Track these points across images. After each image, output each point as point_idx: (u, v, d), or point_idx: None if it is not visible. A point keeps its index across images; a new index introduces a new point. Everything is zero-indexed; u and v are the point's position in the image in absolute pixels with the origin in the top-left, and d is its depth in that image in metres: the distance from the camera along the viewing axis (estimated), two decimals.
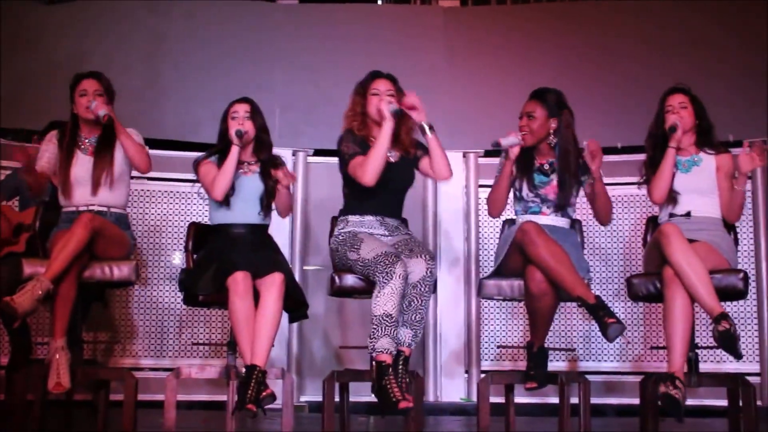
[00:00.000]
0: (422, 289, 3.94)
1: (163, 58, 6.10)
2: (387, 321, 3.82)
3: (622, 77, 5.93)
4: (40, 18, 5.87)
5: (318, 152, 5.94)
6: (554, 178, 4.25)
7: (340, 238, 4.20)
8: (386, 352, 3.78)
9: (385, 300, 3.85)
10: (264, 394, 3.83)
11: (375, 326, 3.83)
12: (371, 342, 3.82)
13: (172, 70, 6.10)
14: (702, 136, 4.26)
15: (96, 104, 4.20)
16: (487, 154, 5.84)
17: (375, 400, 5.53)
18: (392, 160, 4.26)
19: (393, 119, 4.11)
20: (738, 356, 3.71)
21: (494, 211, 4.31)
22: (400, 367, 3.81)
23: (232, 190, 4.22)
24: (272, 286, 3.96)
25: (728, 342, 3.65)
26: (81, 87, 4.31)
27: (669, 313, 3.81)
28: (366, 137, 4.22)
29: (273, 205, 4.34)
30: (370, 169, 4.11)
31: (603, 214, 4.29)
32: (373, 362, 3.79)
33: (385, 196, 4.23)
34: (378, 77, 4.32)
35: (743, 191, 4.10)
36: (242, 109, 4.30)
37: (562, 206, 4.23)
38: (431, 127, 4.17)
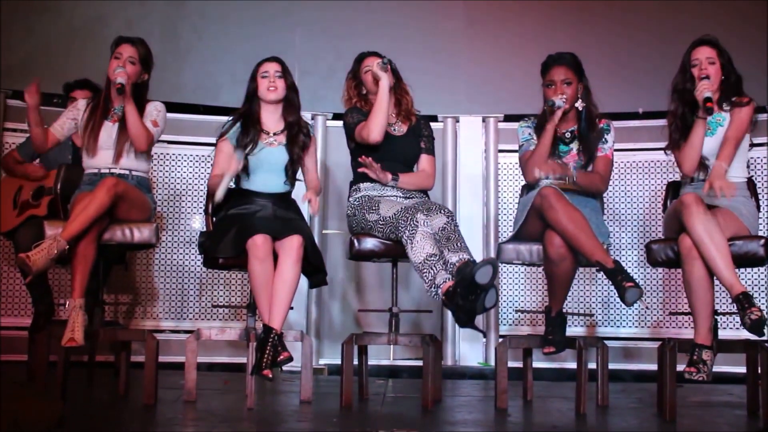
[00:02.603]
0: (452, 227, 4.01)
1: (182, 21, 6.09)
2: (433, 260, 3.88)
3: (643, 41, 5.86)
4: None
5: (337, 116, 5.92)
6: (574, 147, 4.24)
7: (356, 203, 4.23)
8: (448, 281, 3.83)
9: (420, 246, 3.91)
10: (281, 357, 3.86)
11: (425, 270, 3.87)
12: (428, 285, 3.86)
13: (192, 34, 6.08)
14: (727, 93, 4.06)
15: (120, 72, 4.18)
16: (507, 118, 5.81)
17: (393, 363, 5.64)
18: (397, 134, 4.33)
19: (386, 72, 4.21)
20: (762, 335, 3.69)
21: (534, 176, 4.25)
22: (471, 267, 3.78)
23: (252, 166, 4.24)
24: (291, 249, 3.97)
25: (759, 329, 3.61)
26: (117, 50, 4.28)
27: (689, 285, 3.79)
28: (369, 111, 4.29)
29: (299, 175, 4.35)
30: (374, 124, 4.21)
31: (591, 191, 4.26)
32: (443, 297, 3.81)
33: (394, 167, 4.29)
34: (367, 56, 4.44)
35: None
36: (272, 68, 4.30)
37: (585, 166, 4.21)
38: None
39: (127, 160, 4.30)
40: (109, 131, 4.29)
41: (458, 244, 3.96)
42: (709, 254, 3.72)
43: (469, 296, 3.75)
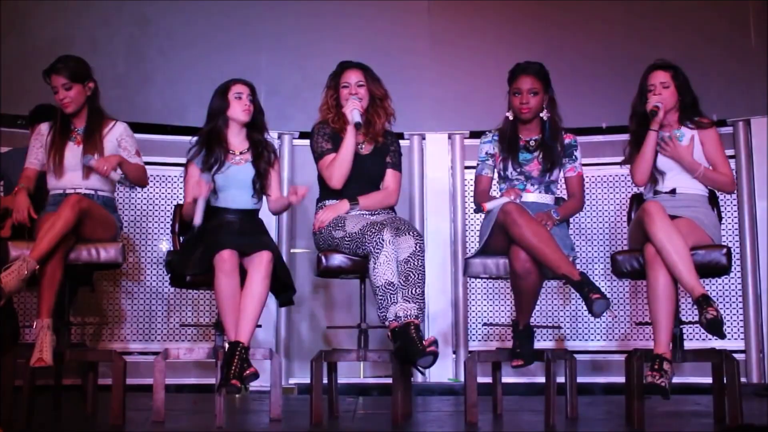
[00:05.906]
0: (415, 263, 3.97)
1: (148, 41, 6.08)
2: (390, 289, 3.90)
3: (608, 56, 5.94)
4: (23, 2, 5.83)
5: (304, 135, 5.93)
6: (537, 154, 4.29)
7: None
8: (397, 320, 3.86)
9: (383, 269, 3.91)
10: (247, 372, 3.84)
11: (381, 297, 3.91)
12: (381, 313, 3.91)
13: (157, 54, 6.07)
14: (685, 112, 4.21)
15: (90, 159, 4.20)
16: (472, 135, 5.85)
17: (363, 381, 5.63)
18: (364, 152, 4.31)
19: (357, 129, 4.20)
20: (722, 337, 3.74)
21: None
22: (413, 335, 3.81)
23: (221, 184, 4.23)
24: (260, 264, 3.96)
25: (716, 328, 3.68)
26: (51, 84, 4.30)
27: (652, 292, 3.83)
28: (340, 131, 4.27)
29: (265, 191, 4.35)
30: (336, 174, 4.23)
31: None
32: (389, 332, 3.88)
33: (359, 186, 4.28)
34: (347, 68, 4.36)
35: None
36: (246, 91, 4.31)
37: (548, 171, 4.28)
38: None
39: (94, 180, 4.30)
40: (74, 152, 4.29)
41: (413, 290, 3.93)
42: (670, 259, 3.78)
43: (405, 362, 3.90)
